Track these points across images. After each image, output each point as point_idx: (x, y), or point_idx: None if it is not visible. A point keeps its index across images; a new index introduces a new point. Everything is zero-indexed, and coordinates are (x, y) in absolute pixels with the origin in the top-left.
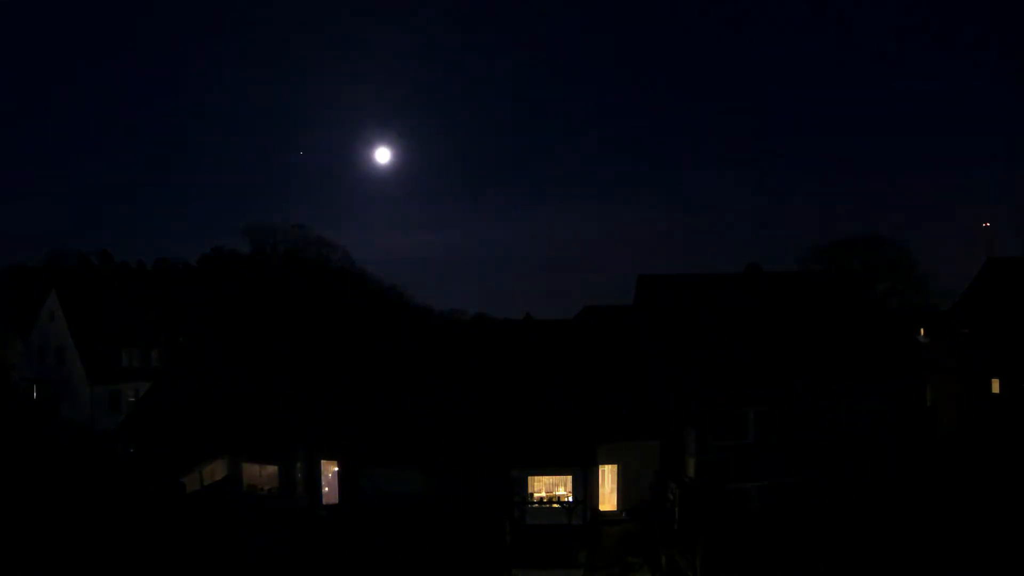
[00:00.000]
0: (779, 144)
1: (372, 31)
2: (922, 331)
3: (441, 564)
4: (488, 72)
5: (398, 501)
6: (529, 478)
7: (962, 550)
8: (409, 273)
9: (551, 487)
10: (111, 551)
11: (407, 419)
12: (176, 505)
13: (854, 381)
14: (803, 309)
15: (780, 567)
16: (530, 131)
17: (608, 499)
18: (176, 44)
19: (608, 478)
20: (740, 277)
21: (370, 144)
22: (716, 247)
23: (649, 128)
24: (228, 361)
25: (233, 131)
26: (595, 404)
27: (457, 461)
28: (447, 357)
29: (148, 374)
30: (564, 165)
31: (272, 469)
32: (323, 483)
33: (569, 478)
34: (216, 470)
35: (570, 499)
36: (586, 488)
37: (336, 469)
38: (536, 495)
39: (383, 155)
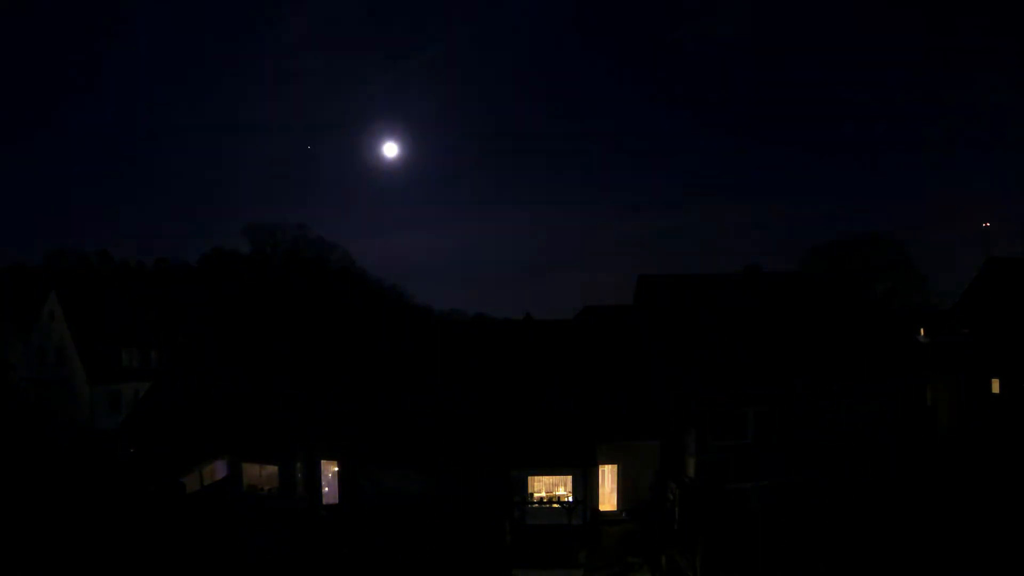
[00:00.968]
0: (779, 144)
1: (372, 31)
2: (922, 331)
3: (441, 564)
4: (489, 72)
5: (398, 501)
6: (529, 478)
7: (962, 550)
8: (409, 273)
9: (551, 487)
10: (111, 551)
11: (407, 419)
12: (176, 505)
13: (854, 381)
14: (803, 309)
15: (780, 567)
16: (530, 131)
17: (608, 499)
18: (176, 44)
19: (608, 478)
20: (740, 277)
21: (371, 144)
22: (716, 247)
23: (649, 127)
24: (228, 361)
25: (233, 131)
26: (595, 404)
27: (457, 461)
28: (447, 357)
29: (148, 374)
30: (564, 165)
31: (272, 469)
32: (323, 483)
33: (569, 478)
34: (216, 470)
35: (570, 499)
36: (586, 488)
37: (336, 469)
38: (536, 495)
39: (383, 155)
